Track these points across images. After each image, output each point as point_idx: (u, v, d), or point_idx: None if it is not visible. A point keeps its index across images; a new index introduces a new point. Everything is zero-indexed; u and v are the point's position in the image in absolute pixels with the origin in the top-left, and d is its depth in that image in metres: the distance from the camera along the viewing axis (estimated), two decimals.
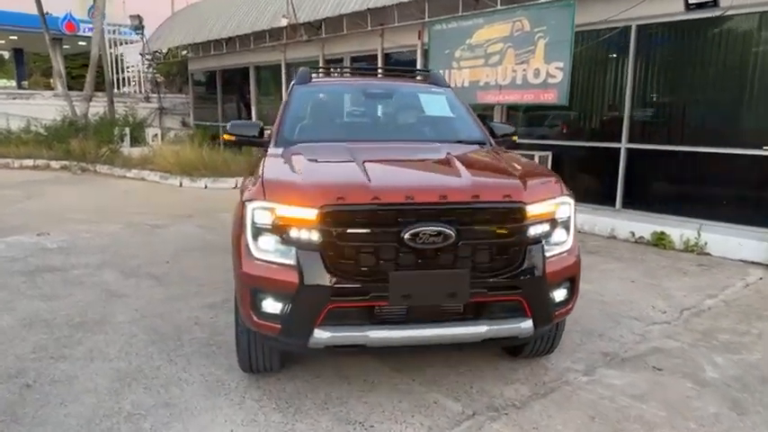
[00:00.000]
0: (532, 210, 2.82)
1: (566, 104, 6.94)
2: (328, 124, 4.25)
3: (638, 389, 3.28)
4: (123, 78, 22.71)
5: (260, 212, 2.80)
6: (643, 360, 3.65)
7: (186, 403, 3.08)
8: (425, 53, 9.69)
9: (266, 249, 2.79)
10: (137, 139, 15.55)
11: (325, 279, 2.65)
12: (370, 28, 10.34)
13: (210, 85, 16.50)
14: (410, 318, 2.77)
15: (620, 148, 7.32)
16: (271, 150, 3.61)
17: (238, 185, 10.91)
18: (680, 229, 6.52)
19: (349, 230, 2.67)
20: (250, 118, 14.82)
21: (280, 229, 2.74)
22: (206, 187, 11.15)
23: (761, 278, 5.44)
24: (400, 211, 2.68)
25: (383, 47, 10.54)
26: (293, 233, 2.71)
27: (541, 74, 7.06)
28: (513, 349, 3.54)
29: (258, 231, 2.81)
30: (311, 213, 2.68)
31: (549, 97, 7.01)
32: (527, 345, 3.39)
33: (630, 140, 7.26)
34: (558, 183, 3.05)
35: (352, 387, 3.26)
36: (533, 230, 2.82)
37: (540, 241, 2.83)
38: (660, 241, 6.59)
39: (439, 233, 2.63)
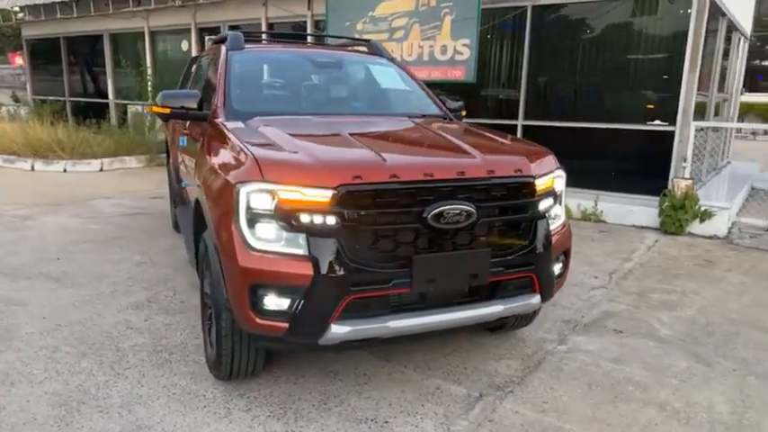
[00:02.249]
0: (540, 184, 2.77)
1: (474, 82, 7.06)
2: (284, 96, 3.84)
3: (612, 353, 3.42)
4: None
5: (257, 196, 2.41)
6: (602, 324, 3.83)
7: (163, 423, 2.62)
8: (317, 24, 9.31)
9: (267, 238, 2.42)
10: None
11: (344, 268, 2.37)
12: None
13: (53, 55, 14.42)
14: (427, 303, 2.59)
15: (517, 125, 7.64)
16: (228, 124, 3.15)
17: (104, 168, 9.88)
18: (576, 200, 6.99)
19: (368, 212, 2.41)
20: (104, 93, 13.28)
21: (284, 215, 2.39)
22: (65, 171, 9.77)
23: (656, 240, 6.02)
24: (420, 189, 2.47)
25: (267, 16, 9.92)
26: (303, 218, 2.37)
27: (449, 51, 7.09)
28: (493, 326, 3.50)
29: (255, 218, 2.43)
30: (325, 195, 2.37)
31: (457, 74, 7.07)
32: (508, 320, 3.37)
33: (526, 118, 7.60)
34: (553, 156, 3.03)
35: (346, 383, 3.01)
36: (542, 205, 2.77)
37: (545, 216, 2.80)
38: None
39: (461, 211, 2.47)
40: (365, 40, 4.60)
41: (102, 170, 9.93)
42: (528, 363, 3.27)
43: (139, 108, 11.79)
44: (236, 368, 2.80)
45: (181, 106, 3.48)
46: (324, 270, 2.35)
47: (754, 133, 20.43)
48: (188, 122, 4.14)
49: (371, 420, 2.68)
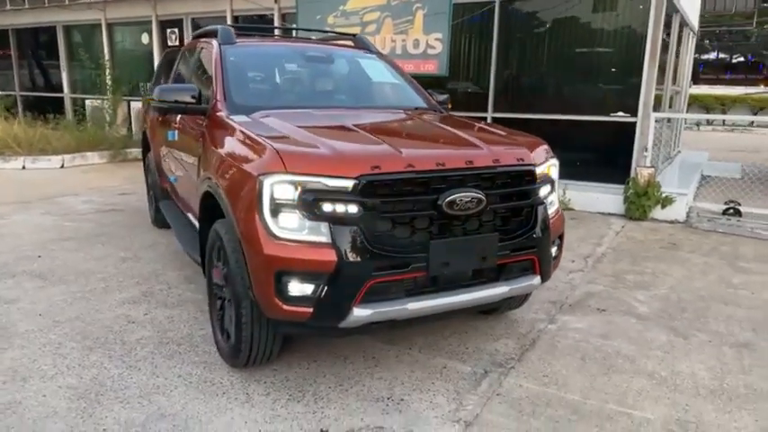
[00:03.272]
0: (539, 172, 2.95)
1: (446, 75, 7.24)
2: (282, 89, 3.90)
3: (599, 329, 3.67)
4: None
5: (281, 187, 2.50)
6: (586, 304, 4.08)
7: (186, 411, 2.68)
8: (284, 17, 9.30)
9: (290, 227, 2.52)
10: None
11: (366, 254, 2.49)
12: None
13: (1, 48, 13.83)
14: (439, 286, 2.73)
15: (486, 117, 7.87)
16: (235, 118, 3.21)
17: (65, 164, 9.62)
18: None
19: (386, 201, 2.53)
20: (57, 88, 12.85)
21: (307, 204, 2.48)
22: (24, 168, 9.45)
23: (623, 226, 6.37)
24: (434, 178, 2.61)
25: (233, 8, 9.83)
26: (325, 207, 2.48)
27: (421, 44, 7.25)
28: (487, 309, 3.69)
29: (278, 208, 2.52)
30: (346, 185, 2.48)
31: (430, 68, 7.24)
32: (502, 303, 3.56)
33: (496, 110, 7.84)
34: (547, 146, 3.22)
35: (357, 366, 3.13)
36: (541, 192, 2.96)
37: (544, 202, 2.99)
38: None
39: (472, 198, 2.63)
40: (351, 35, 4.69)
41: (63, 167, 9.65)
42: (524, 341, 3.47)
43: (98, 102, 11.47)
44: (255, 355, 2.88)
45: (178, 101, 3.50)
46: (347, 256, 2.46)
47: (698, 124, 21.49)
48: (179, 117, 4.15)
49: (388, 399, 2.82)
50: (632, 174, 6.85)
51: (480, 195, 2.64)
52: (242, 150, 2.81)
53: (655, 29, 6.73)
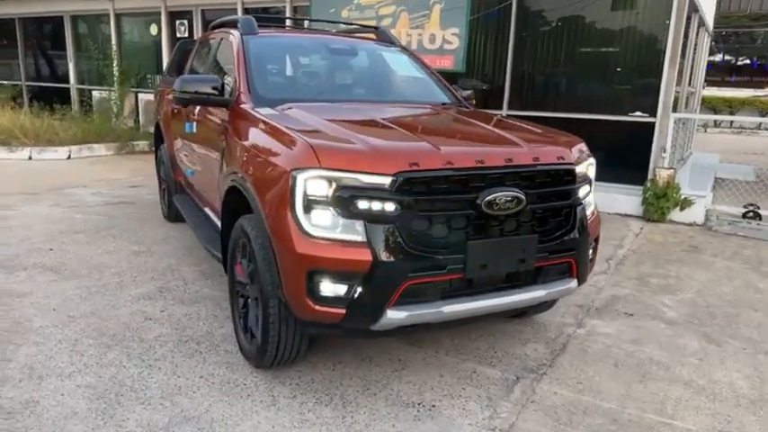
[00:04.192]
0: (578, 171, 2.85)
1: (463, 71, 7.12)
2: (307, 82, 3.79)
3: (629, 335, 3.56)
4: None
5: (314, 182, 2.39)
6: (613, 308, 3.98)
7: (210, 414, 2.58)
8: (295, 10, 9.18)
9: (324, 225, 2.41)
10: None
11: (402, 254, 2.38)
12: None
13: (7, 37, 13.71)
14: (474, 289, 2.63)
15: (501, 115, 7.75)
16: (261, 111, 3.10)
17: (72, 156, 9.52)
18: None
19: (424, 199, 2.43)
20: (63, 78, 12.72)
21: (341, 201, 2.38)
22: (30, 158, 9.34)
23: (641, 228, 6.26)
24: (473, 176, 2.50)
25: (243, 0, 9.71)
26: (360, 204, 2.37)
27: (437, 40, 7.13)
28: (514, 312, 3.58)
29: (311, 205, 2.41)
30: (383, 182, 2.37)
31: (446, 63, 7.13)
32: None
33: (510, 107, 7.72)
34: (585, 145, 3.11)
35: (383, 368, 3.03)
36: (581, 192, 2.85)
37: (583, 203, 2.88)
38: None
39: (512, 197, 2.52)
40: (374, 27, 4.57)
41: (69, 158, 9.54)
42: (553, 346, 3.37)
43: (105, 94, 11.36)
44: (281, 356, 2.79)
45: (200, 92, 3.39)
46: (383, 256, 2.36)
47: (705, 126, 21.35)
48: (197, 108, 4.05)
49: (418, 404, 2.72)
50: (650, 175, 6.74)
51: (520, 195, 2.54)
52: (272, 144, 2.70)
53: (676, 28, 6.61)
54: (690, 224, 6.45)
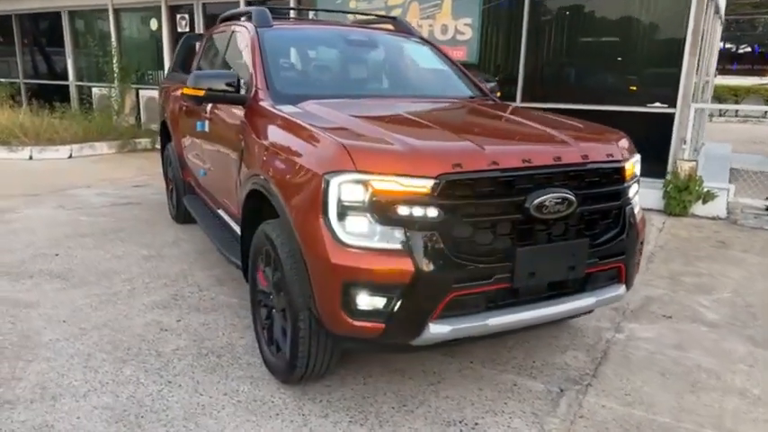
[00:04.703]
0: (628, 169, 2.65)
1: (476, 63, 6.91)
2: (327, 77, 3.58)
3: (670, 339, 3.38)
4: None
5: (349, 187, 2.20)
6: (649, 310, 3.79)
7: None
8: (299, 1, 8.94)
9: (360, 233, 2.22)
10: None
11: (446, 264, 2.20)
12: None
13: (4, 35, 13.45)
14: (519, 298, 2.44)
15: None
16: (284, 108, 2.90)
17: (73, 155, 9.30)
18: None
19: (469, 203, 2.24)
20: (62, 75, 12.48)
21: (379, 207, 2.19)
22: (31, 158, 9.12)
23: (664, 222, 6.07)
24: (520, 177, 2.31)
25: None
26: (400, 210, 2.18)
27: (449, 30, 6.92)
28: None
29: (346, 211, 2.22)
30: (424, 185, 2.18)
31: (459, 55, 6.91)
32: None
33: (524, 99, 7.51)
34: (629, 140, 2.92)
35: (418, 381, 2.85)
36: (630, 191, 2.66)
37: (632, 203, 2.69)
38: None
39: (563, 200, 2.33)
40: (391, 17, 4.36)
41: (71, 157, 9.32)
42: (594, 353, 3.19)
43: (105, 91, 11.12)
44: (311, 371, 2.60)
45: (216, 89, 3.18)
46: (425, 266, 2.17)
47: (711, 115, 21.11)
48: (209, 106, 3.84)
49: (460, 422, 2.54)
50: (671, 167, 6.54)
51: (571, 196, 2.34)
52: (300, 145, 2.50)
53: (697, 13, 6.39)
54: (713, 218, 6.25)
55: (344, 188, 2.20)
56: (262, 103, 3.08)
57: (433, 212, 2.18)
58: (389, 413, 2.59)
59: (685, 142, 6.61)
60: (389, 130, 2.48)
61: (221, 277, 4.11)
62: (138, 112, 11.01)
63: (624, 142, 2.78)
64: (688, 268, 4.63)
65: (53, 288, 3.89)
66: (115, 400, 2.63)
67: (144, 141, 10.23)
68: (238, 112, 3.31)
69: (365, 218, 2.21)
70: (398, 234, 2.20)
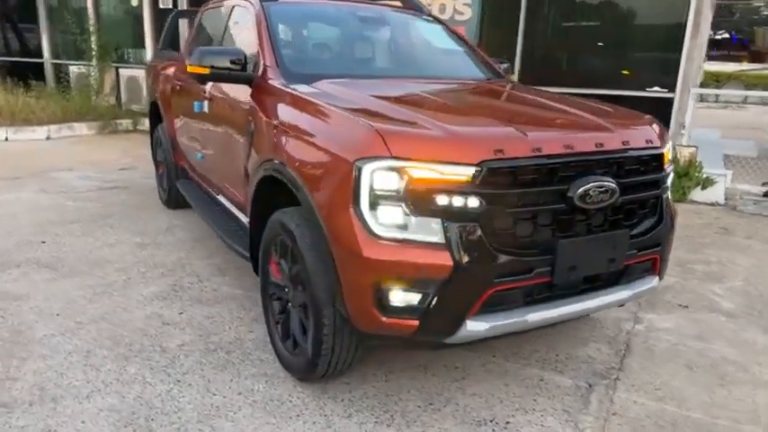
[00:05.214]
0: (666, 155, 2.53)
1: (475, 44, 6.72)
2: (339, 55, 3.39)
3: (690, 330, 3.31)
4: None
5: (383, 175, 2.04)
6: (664, 300, 3.72)
7: None
8: None
9: (394, 224, 2.06)
10: None
11: (487, 257, 2.05)
12: None
13: None
14: (554, 292, 2.31)
15: None
16: (299, 88, 2.70)
17: (51, 136, 8.92)
18: None
19: (511, 192, 2.09)
20: (36, 53, 11.96)
21: (415, 197, 2.03)
22: (7, 139, 8.71)
23: None
24: (562, 164, 2.17)
25: None
26: (439, 200, 2.03)
27: (448, 10, 6.73)
28: None
29: (379, 201, 2.06)
30: (465, 173, 2.03)
31: None
32: None
33: (521, 82, 7.36)
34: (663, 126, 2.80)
35: (441, 378, 2.72)
36: (668, 179, 2.55)
37: (668, 191, 2.58)
38: None
39: (606, 188, 2.20)
40: None
41: (48, 138, 8.94)
42: (617, 346, 3.10)
43: (83, 69, 10.68)
44: (332, 369, 2.45)
45: (222, 66, 2.97)
46: (464, 259, 2.03)
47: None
48: (209, 85, 3.62)
49: (491, 421, 2.42)
50: (670, 153, 6.47)
51: (614, 185, 2.22)
52: (325, 129, 2.32)
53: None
54: (712, 204, 6.22)
55: (378, 176, 2.04)
56: (271, 83, 2.89)
57: (473, 202, 2.03)
58: (416, 412, 2.46)
59: (684, 127, 6.56)
60: (420, 114, 2.31)
61: (222, 266, 3.93)
62: (119, 92, 10.61)
63: (658, 128, 2.65)
64: (696, 255, 4.57)
65: (42, 278, 3.66)
66: (121, 401, 2.46)
67: (125, 122, 9.87)
68: (244, 91, 3.11)
69: (400, 208, 2.05)
70: (436, 225, 2.05)
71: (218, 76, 3.01)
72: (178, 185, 4.68)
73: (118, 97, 10.60)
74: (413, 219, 2.05)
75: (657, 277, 2.60)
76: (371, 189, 2.04)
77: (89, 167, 6.93)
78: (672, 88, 6.58)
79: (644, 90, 6.71)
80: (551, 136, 2.24)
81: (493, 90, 3.20)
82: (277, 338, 2.74)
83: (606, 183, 2.19)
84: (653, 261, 2.54)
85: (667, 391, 2.68)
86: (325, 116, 2.36)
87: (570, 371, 2.83)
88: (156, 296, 3.47)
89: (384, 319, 2.10)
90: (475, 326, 2.12)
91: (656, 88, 6.69)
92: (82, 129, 9.39)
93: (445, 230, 2.04)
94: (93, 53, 10.35)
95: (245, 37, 3.42)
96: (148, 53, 10.13)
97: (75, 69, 10.93)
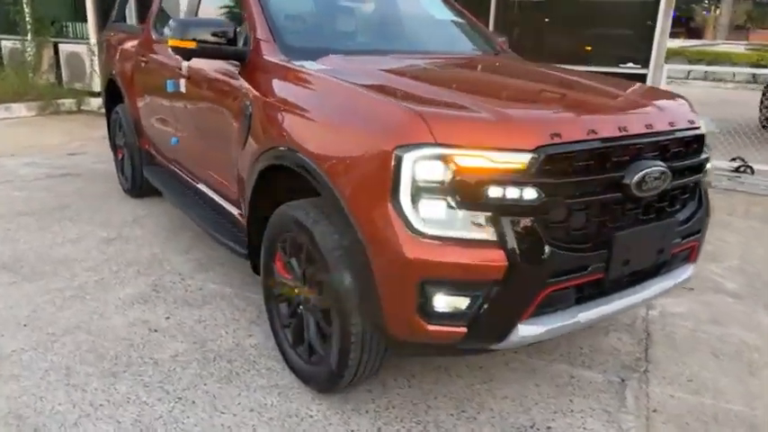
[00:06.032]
0: (706, 137, 2.38)
1: None
2: (344, 28, 3.05)
3: (704, 314, 3.24)
4: None
5: (428, 164, 1.78)
6: None
7: None
8: None
9: (439, 220, 1.82)
10: None
11: (543, 254, 1.84)
12: None
13: None
14: (602, 288, 2.13)
15: None
16: (306, 65, 2.40)
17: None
18: None
19: (569, 181, 1.88)
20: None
21: (463, 188, 1.79)
22: None
23: None
24: (617, 147, 1.97)
25: None
26: (491, 192, 1.79)
27: None
28: None
29: (421, 194, 1.81)
30: (520, 160, 1.80)
31: None
32: None
33: None
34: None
35: (467, 380, 2.52)
36: (708, 163, 2.40)
37: (708, 175, 2.44)
38: None
39: (661, 174, 2.02)
40: None
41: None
42: (637, 335, 2.98)
43: (18, 44, 9.80)
44: (357, 380, 2.21)
45: (210, 41, 2.62)
46: (520, 258, 1.81)
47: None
48: (188, 61, 3.23)
49: (531, 427, 2.25)
50: None
51: (667, 170, 2.04)
52: (351, 112, 2.04)
53: None
54: None
55: (421, 166, 1.78)
56: (269, 59, 2.56)
57: (529, 193, 1.81)
58: (450, 421, 2.25)
59: None
60: (461, 95, 2.06)
61: (204, 262, 3.58)
62: (59, 69, 9.80)
63: (692, 106, 2.50)
64: None
65: (3, 282, 3.24)
66: (117, 427, 2.14)
67: (68, 102, 9.14)
68: (230, 68, 2.77)
69: (446, 202, 1.81)
70: (486, 220, 1.81)
71: (207, 51, 2.65)
72: (145, 173, 4.27)
73: (58, 75, 9.80)
74: (461, 213, 1.81)
75: (692, 266, 2.47)
76: (413, 181, 1.79)
77: (34, 153, 6.33)
78: (645, 64, 6.53)
79: (617, 66, 6.63)
80: (604, 118, 2.04)
81: (513, 67, 2.97)
82: (287, 344, 2.47)
83: (661, 168, 2.01)
84: (691, 249, 2.40)
85: (701, 383, 2.58)
86: (350, 97, 2.08)
87: (598, 365, 2.69)
88: (135, 299, 3.12)
89: (428, 326, 1.87)
90: (528, 330, 1.92)
91: (629, 64, 6.63)
92: (20, 110, 8.63)
93: (497, 226, 1.81)
94: (29, 27, 9.50)
95: (227, 6, 3.06)
96: (91, 27, 9.36)
97: (8, 44, 10.03)
